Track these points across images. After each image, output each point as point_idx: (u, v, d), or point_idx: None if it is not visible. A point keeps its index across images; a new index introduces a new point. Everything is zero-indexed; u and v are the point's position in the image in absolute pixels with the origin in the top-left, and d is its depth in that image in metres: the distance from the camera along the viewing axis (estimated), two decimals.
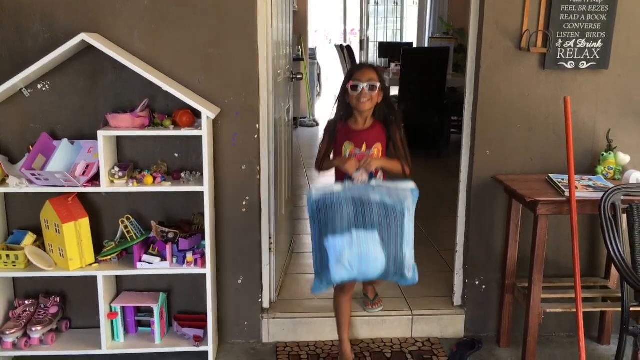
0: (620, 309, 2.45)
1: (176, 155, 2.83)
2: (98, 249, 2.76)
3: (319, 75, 10.13)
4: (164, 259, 2.70)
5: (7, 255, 2.64)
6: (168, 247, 2.69)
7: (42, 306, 2.82)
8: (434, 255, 3.87)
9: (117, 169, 2.64)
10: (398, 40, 10.90)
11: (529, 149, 2.95)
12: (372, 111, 2.62)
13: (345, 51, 8.19)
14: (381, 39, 10.98)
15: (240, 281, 2.97)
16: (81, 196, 2.73)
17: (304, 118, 8.66)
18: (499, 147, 2.94)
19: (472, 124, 2.96)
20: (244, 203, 2.90)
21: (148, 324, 2.88)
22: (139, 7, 2.67)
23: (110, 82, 2.73)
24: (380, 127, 2.65)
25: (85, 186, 2.58)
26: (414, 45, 9.38)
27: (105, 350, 2.74)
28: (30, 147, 2.66)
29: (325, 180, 4.51)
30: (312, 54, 9.24)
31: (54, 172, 2.51)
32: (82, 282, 2.82)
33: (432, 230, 4.20)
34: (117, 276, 2.88)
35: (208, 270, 2.70)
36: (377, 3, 11.03)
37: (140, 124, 2.61)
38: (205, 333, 2.80)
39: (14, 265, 2.65)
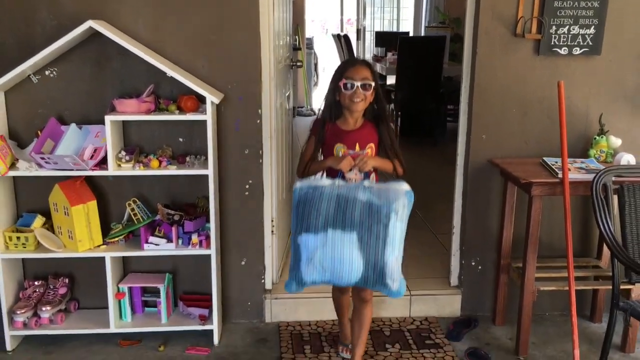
0: (611, 287, 2.55)
1: (180, 140, 2.90)
2: (105, 231, 2.84)
3: (315, 65, 10.19)
4: (169, 240, 2.78)
5: (18, 237, 2.71)
6: (174, 229, 2.77)
7: (51, 287, 2.90)
8: (431, 239, 3.96)
9: (123, 153, 2.71)
10: (395, 29, 10.94)
11: (524, 133, 3.03)
12: (363, 111, 2.47)
13: (342, 40, 8.23)
14: (378, 28, 11.04)
15: (243, 263, 3.06)
16: (88, 180, 2.81)
17: (301, 107, 8.72)
18: (494, 132, 3.02)
19: (468, 109, 3.04)
20: (247, 186, 2.98)
21: (154, 305, 2.96)
22: None
23: (115, 69, 2.80)
24: (372, 126, 2.50)
25: (93, 169, 2.65)
26: (411, 35, 9.43)
27: (113, 329, 2.83)
28: (39, 132, 2.73)
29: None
30: (309, 44, 9.29)
31: (63, 156, 2.58)
32: (89, 264, 2.91)
33: (429, 215, 4.29)
34: (123, 258, 2.96)
35: (213, 251, 2.78)
36: None
37: (146, 109, 2.68)
38: (210, 312, 2.89)
39: (24, 247, 2.72)
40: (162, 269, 3.00)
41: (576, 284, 2.69)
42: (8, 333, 2.79)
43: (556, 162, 2.81)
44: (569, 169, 2.68)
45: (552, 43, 2.92)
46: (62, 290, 2.90)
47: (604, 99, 3.02)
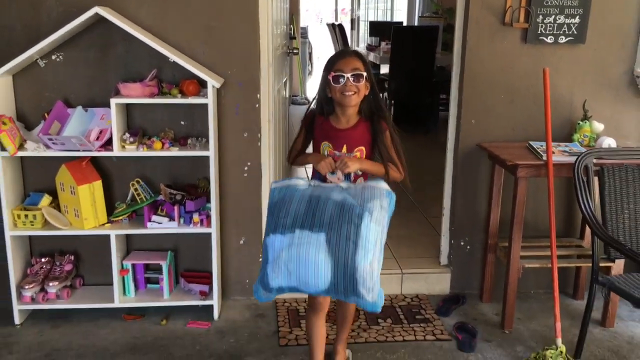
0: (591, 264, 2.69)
1: (182, 123, 3.01)
2: (110, 211, 2.95)
3: (310, 54, 10.28)
4: (171, 219, 2.90)
5: (26, 215, 2.83)
6: (176, 208, 2.89)
7: (58, 264, 3.02)
8: (422, 221, 4.11)
9: (127, 134, 2.82)
10: (388, 19, 11.05)
11: (511, 118, 3.17)
12: (357, 107, 2.28)
13: (337, 30, 8.33)
14: (372, 18, 11.14)
15: (242, 242, 3.18)
16: (93, 161, 2.92)
17: (296, 96, 8.83)
18: (483, 117, 3.15)
19: (458, 95, 3.17)
20: (246, 168, 3.10)
21: (156, 281, 3.09)
22: None
23: (119, 54, 2.90)
24: (366, 126, 2.29)
25: (99, 150, 2.76)
26: (404, 25, 9.54)
27: (117, 303, 2.95)
28: (46, 114, 2.83)
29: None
30: (304, 33, 9.39)
31: (70, 137, 2.69)
32: (94, 242, 3.03)
33: (421, 198, 4.43)
34: (127, 236, 3.08)
35: (213, 230, 2.91)
36: None
37: (150, 92, 2.79)
38: (211, 288, 3.02)
39: (32, 225, 2.84)
40: (164, 247, 3.12)
41: (559, 261, 2.84)
42: (16, 307, 2.90)
43: (541, 146, 2.95)
44: (553, 152, 2.82)
45: (539, 32, 3.05)
46: (68, 267, 3.02)
47: (589, 86, 3.15)
